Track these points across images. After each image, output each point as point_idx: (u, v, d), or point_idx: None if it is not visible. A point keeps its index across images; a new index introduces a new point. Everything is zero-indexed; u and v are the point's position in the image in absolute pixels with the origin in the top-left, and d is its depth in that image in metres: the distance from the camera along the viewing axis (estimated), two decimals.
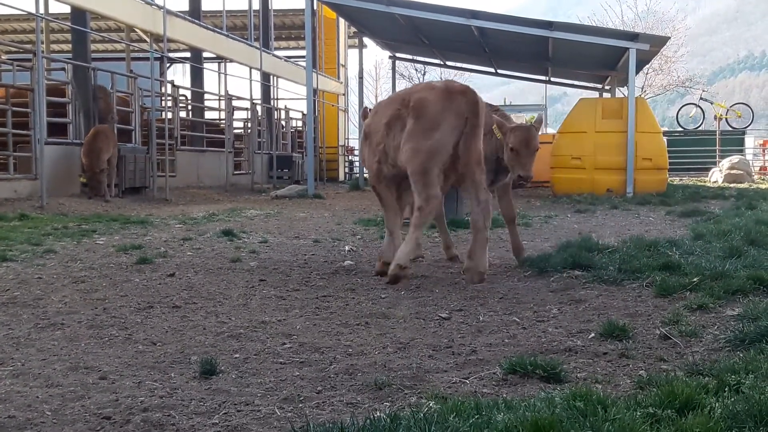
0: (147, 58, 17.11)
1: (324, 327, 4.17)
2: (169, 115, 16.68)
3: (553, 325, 4.14)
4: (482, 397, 2.90)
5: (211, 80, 39.03)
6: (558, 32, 15.34)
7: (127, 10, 15.21)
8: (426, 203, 5.38)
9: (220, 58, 23.20)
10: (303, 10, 19.64)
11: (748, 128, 27.02)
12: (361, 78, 23.41)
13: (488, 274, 5.54)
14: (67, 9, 15.20)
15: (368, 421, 2.55)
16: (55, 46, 24.99)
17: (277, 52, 26.47)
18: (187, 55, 22.58)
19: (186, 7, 20.57)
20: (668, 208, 11.87)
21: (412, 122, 5.51)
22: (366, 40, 23.00)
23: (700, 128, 26.46)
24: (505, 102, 39.99)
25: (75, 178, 12.97)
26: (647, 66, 25.89)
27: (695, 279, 4.87)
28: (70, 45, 17.86)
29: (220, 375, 3.29)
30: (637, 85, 25.51)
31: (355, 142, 27.88)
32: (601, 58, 18.50)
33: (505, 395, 2.96)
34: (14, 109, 12.20)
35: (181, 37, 17.88)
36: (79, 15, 14.70)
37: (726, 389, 2.80)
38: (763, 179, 22.19)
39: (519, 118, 33.85)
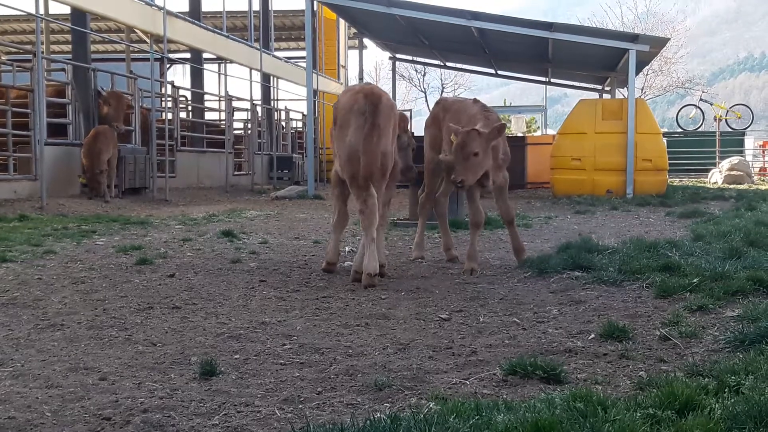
0: (147, 59, 17.11)
1: (324, 328, 4.17)
2: (169, 116, 16.67)
3: (553, 326, 4.14)
4: (482, 398, 2.90)
5: (211, 81, 38.96)
6: (558, 33, 15.34)
7: (127, 11, 15.20)
8: (365, 205, 5.40)
9: (220, 59, 23.20)
10: (303, 11, 19.63)
11: (748, 129, 27.01)
12: (361, 79, 23.47)
13: (488, 274, 5.54)
14: (67, 10, 15.19)
15: (368, 422, 2.55)
16: (55, 47, 24.98)
17: (277, 53, 26.46)
18: (187, 55, 22.56)
19: (186, 8, 20.55)
20: (668, 209, 11.87)
21: (335, 128, 5.66)
22: (366, 41, 23.05)
23: (699, 129, 26.44)
24: (505, 103, 40.09)
25: (75, 178, 12.96)
26: (647, 67, 25.91)
27: (695, 280, 4.86)
28: (70, 46, 17.86)
29: (220, 376, 3.29)
30: (637, 86, 25.50)
31: None
32: (601, 59, 18.51)
33: (505, 396, 2.97)
34: (14, 109, 12.19)
35: (181, 38, 17.87)
36: (79, 16, 14.69)
37: (726, 390, 2.80)
38: (763, 180, 22.20)
39: (518, 119, 33.91)
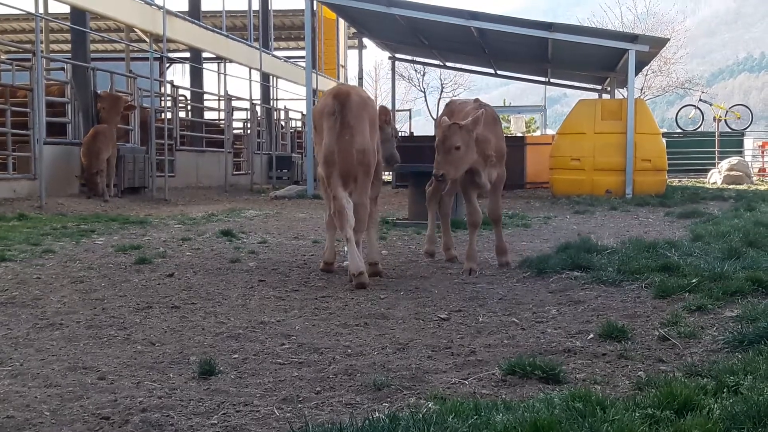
0: (146, 58, 17.09)
1: (323, 327, 4.17)
2: (169, 116, 16.67)
3: (552, 326, 4.14)
4: (481, 398, 2.90)
5: (210, 80, 38.95)
6: (558, 33, 15.34)
7: (127, 10, 15.21)
8: (337, 206, 5.40)
9: (219, 59, 23.18)
10: (302, 11, 19.62)
11: (747, 130, 27.02)
12: (360, 79, 23.47)
13: (487, 274, 5.54)
14: (66, 9, 15.19)
15: (367, 421, 2.55)
16: (54, 46, 24.97)
17: (276, 53, 26.47)
18: (187, 55, 22.57)
19: (186, 8, 20.56)
20: (667, 209, 11.87)
21: (315, 133, 5.69)
22: (366, 40, 23.04)
23: (699, 130, 26.45)
24: (504, 103, 40.06)
25: (74, 178, 12.95)
26: (646, 67, 25.88)
27: (694, 280, 4.86)
28: (69, 45, 17.85)
29: (219, 375, 3.29)
30: (637, 86, 25.50)
31: None
32: (600, 60, 18.51)
33: (504, 396, 2.97)
34: (14, 108, 12.19)
35: (180, 38, 17.87)
36: (78, 15, 14.68)
37: (725, 390, 2.80)
38: (762, 180, 22.21)
39: (518, 119, 33.91)
